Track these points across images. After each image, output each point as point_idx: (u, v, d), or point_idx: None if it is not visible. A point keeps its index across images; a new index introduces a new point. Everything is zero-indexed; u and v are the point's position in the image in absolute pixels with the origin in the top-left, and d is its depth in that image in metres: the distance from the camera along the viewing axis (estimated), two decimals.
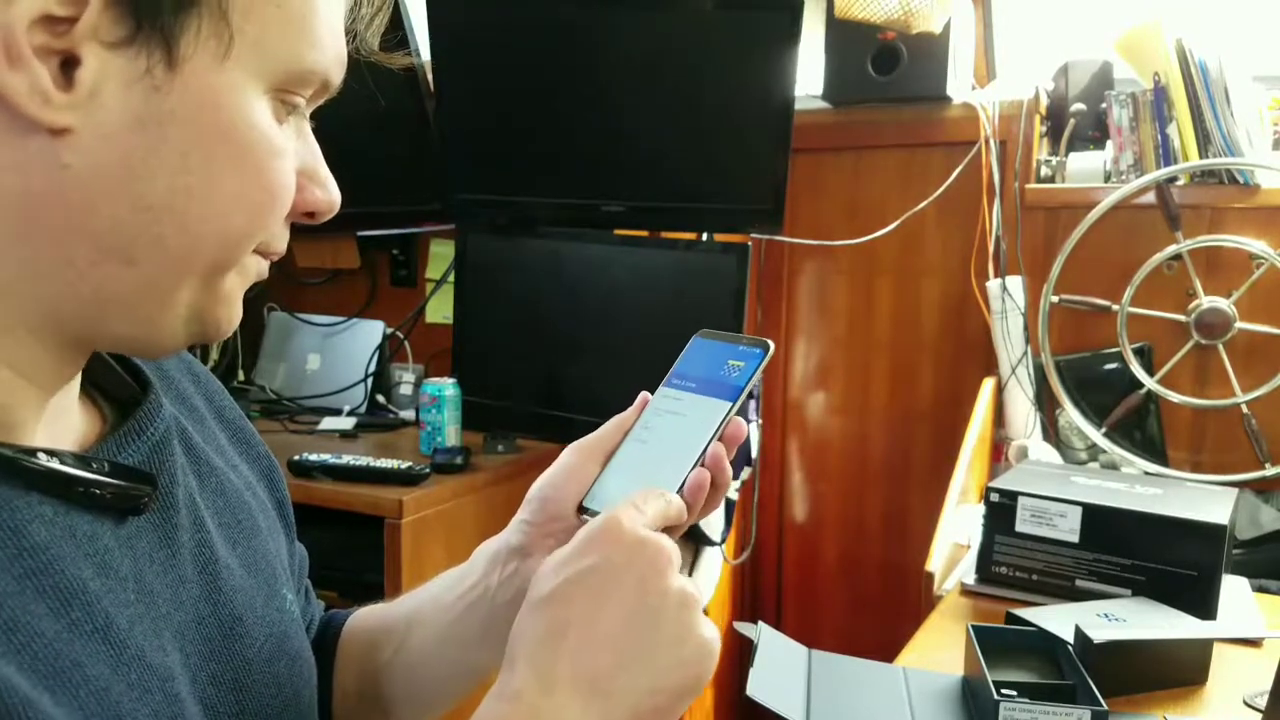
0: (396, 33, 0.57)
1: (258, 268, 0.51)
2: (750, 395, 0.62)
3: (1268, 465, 1.81)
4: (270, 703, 0.57)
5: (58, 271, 0.44)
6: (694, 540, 2.10)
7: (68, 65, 0.42)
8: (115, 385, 0.56)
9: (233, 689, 0.54)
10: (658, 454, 0.60)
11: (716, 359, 0.62)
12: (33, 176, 0.42)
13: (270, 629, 0.59)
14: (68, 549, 0.46)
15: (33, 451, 0.46)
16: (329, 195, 0.52)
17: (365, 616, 0.75)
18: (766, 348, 0.61)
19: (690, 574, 2.11)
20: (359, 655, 0.73)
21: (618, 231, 1.91)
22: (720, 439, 0.59)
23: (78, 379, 0.52)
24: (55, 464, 0.46)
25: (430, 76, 1.98)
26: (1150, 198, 1.86)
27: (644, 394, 0.64)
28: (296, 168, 0.50)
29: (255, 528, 0.62)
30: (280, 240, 0.51)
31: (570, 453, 0.62)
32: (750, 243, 1.81)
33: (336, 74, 0.50)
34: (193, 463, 0.58)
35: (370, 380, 2.27)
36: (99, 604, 0.46)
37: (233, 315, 0.51)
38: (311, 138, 0.52)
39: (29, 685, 0.41)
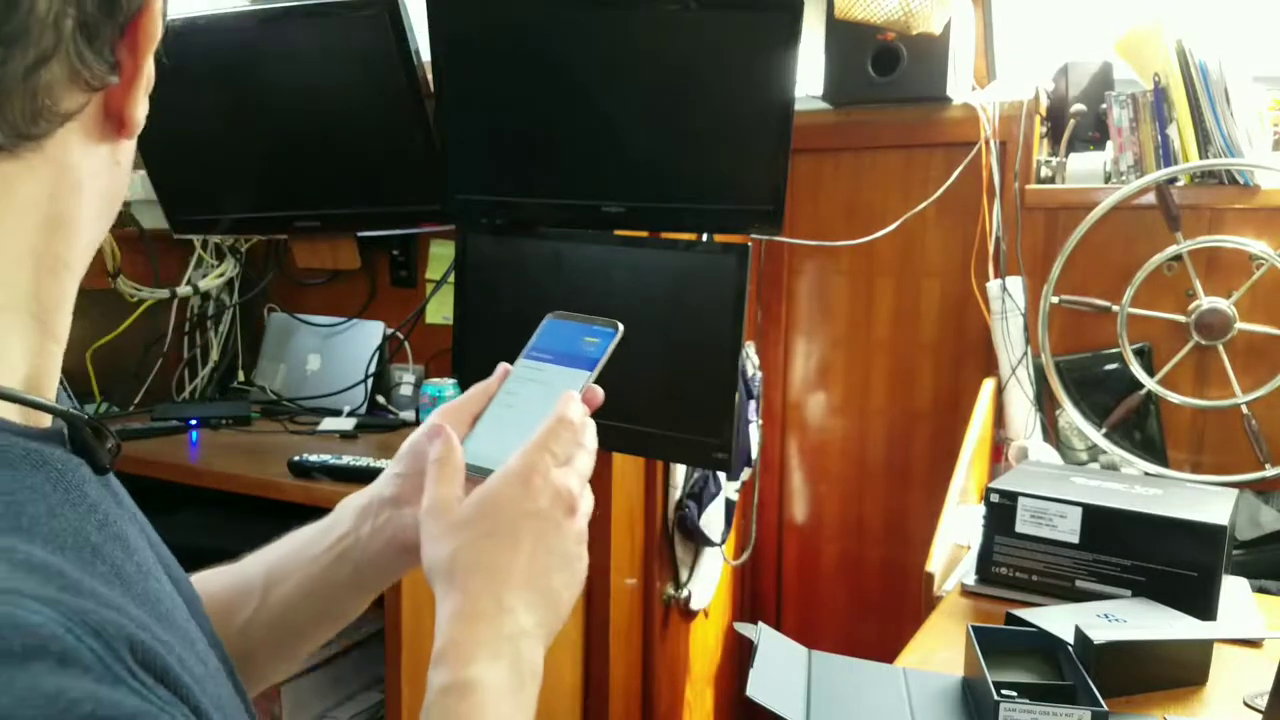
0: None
1: None
2: (603, 367, 0.70)
3: (1268, 465, 1.81)
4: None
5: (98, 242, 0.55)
6: (694, 541, 2.10)
7: None
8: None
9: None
10: (526, 414, 0.68)
11: (572, 336, 0.70)
12: (102, 177, 0.52)
13: (190, 594, 0.60)
14: (111, 505, 0.50)
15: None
16: None
17: (207, 581, 0.75)
18: (616, 328, 0.69)
19: (689, 576, 2.11)
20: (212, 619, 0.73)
21: (618, 232, 1.90)
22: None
23: None
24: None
25: (430, 76, 1.97)
26: (1150, 198, 1.86)
27: (503, 365, 0.72)
28: None
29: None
30: None
31: (438, 415, 0.70)
32: (750, 243, 1.81)
33: None
34: None
35: (370, 381, 2.27)
36: (142, 552, 0.50)
37: None
38: None
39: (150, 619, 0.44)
